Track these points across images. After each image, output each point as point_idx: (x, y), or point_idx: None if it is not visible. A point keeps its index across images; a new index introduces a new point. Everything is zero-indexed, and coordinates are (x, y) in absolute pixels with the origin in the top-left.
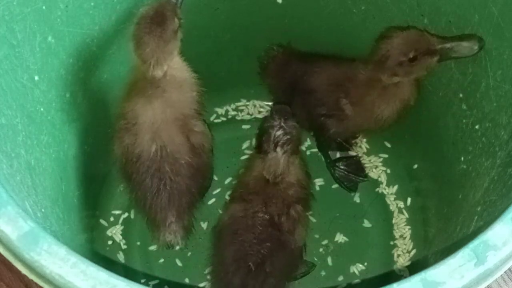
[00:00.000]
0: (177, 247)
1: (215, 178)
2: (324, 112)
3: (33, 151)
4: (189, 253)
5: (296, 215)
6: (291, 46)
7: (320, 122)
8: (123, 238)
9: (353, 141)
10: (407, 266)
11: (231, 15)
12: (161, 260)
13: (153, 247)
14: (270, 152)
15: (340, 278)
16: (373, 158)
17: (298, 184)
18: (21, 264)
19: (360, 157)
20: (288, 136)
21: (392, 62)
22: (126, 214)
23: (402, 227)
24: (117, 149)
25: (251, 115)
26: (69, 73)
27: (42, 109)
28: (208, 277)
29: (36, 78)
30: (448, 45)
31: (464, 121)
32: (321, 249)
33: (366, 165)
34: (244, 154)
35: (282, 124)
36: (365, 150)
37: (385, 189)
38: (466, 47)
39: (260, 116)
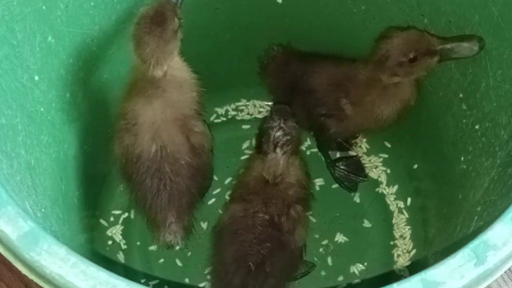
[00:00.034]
0: (177, 247)
1: (215, 178)
2: (324, 112)
3: (33, 151)
4: (189, 253)
5: (296, 215)
6: (291, 46)
7: (320, 122)
8: (123, 238)
9: (353, 141)
10: (407, 266)
11: (231, 15)
12: (161, 260)
13: (153, 247)
14: (269, 152)
15: (340, 278)
16: (373, 158)
17: (298, 184)
18: (21, 264)
19: (360, 157)
20: (288, 137)
21: (392, 62)
22: (126, 214)
23: (402, 227)
24: (117, 149)
25: (251, 115)
26: (69, 73)
27: (42, 109)
28: (208, 277)
29: (36, 78)
30: (448, 46)
31: (464, 121)
32: (321, 249)
33: (366, 165)
34: (244, 154)
35: (282, 124)
36: (365, 150)
37: (385, 189)
38: (466, 47)
39: (260, 116)
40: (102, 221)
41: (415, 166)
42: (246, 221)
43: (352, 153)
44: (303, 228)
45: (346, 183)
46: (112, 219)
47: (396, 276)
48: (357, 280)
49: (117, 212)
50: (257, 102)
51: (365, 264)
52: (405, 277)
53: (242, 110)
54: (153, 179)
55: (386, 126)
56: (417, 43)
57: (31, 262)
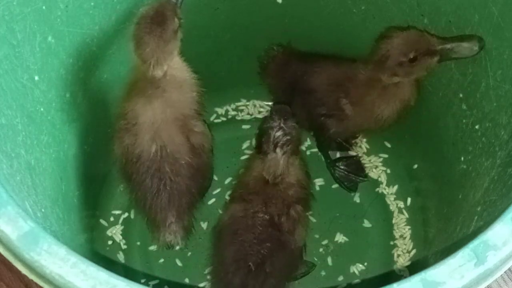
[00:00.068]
0: (177, 247)
1: (215, 178)
2: (324, 112)
3: (33, 151)
4: (189, 253)
5: (296, 215)
6: (291, 46)
7: (320, 122)
8: (123, 238)
9: (353, 141)
10: (407, 266)
11: (231, 15)
12: (161, 260)
13: (153, 247)
14: (269, 152)
15: (340, 278)
16: (373, 158)
17: (298, 185)
18: (21, 264)
19: (360, 157)
20: (288, 137)
21: (392, 62)
22: (126, 214)
23: (402, 227)
24: (117, 149)
25: (251, 115)
26: (69, 73)
27: (42, 109)
28: (208, 277)
29: (36, 78)
30: (448, 46)
31: (464, 121)
32: (321, 249)
33: (366, 165)
34: (244, 154)
35: (282, 125)
36: (365, 150)
37: (385, 189)
38: (466, 47)
39: (260, 116)
40: (102, 221)
41: (415, 166)
42: (246, 221)
43: (352, 153)
44: (303, 228)
45: (346, 183)
46: (112, 219)
47: (396, 276)
48: (357, 280)
49: (117, 212)
50: (257, 102)
51: (365, 264)
52: (405, 277)
53: (242, 110)
54: (153, 179)
55: (386, 126)
56: (417, 43)
57: (31, 262)
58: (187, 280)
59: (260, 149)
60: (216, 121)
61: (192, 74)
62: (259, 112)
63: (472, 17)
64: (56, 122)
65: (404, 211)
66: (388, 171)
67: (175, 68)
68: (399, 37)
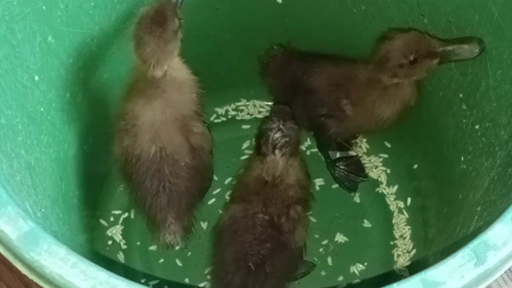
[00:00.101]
0: (177, 247)
1: (215, 178)
2: (324, 112)
3: (33, 151)
4: (189, 253)
5: (296, 216)
6: (291, 46)
7: (320, 122)
8: (123, 238)
9: (353, 141)
10: (407, 266)
11: (231, 15)
12: (161, 260)
13: (153, 247)
14: (268, 154)
15: (340, 278)
16: (373, 158)
17: (298, 185)
18: (21, 264)
19: (360, 157)
20: (287, 139)
21: (392, 64)
22: (126, 214)
23: (402, 227)
24: (117, 150)
25: (251, 115)
26: (69, 73)
27: (42, 109)
28: (208, 277)
29: (36, 78)
30: (449, 48)
31: (464, 121)
32: (321, 249)
33: (366, 165)
34: (244, 154)
35: (281, 126)
36: (365, 150)
37: (385, 189)
38: (467, 50)
39: (260, 116)
40: (102, 221)
41: (415, 166)
42: (246, 222)
43: (352, 153)
44: (303, 229)
45: (346, 183)
46: (112, 219)
47: (396, 276)
48: (357, 280)
49: (117, 212)
50: (257, 102)
51: (365, 264)
52: (405, 277)
53: (242, 110)
54: (152, 180)
55: (386, 127)
56: (418, 45)
57: (31, 262)
58: (187, 280)
59: (259, 151)
60: (216, 121)
61: (191, 76)
62: (259, 112)
63: (472, 17)
64: (56, 122)
65: (404, 211)
66: (388, 171)
67: (175, 68)
68: (400, 39)
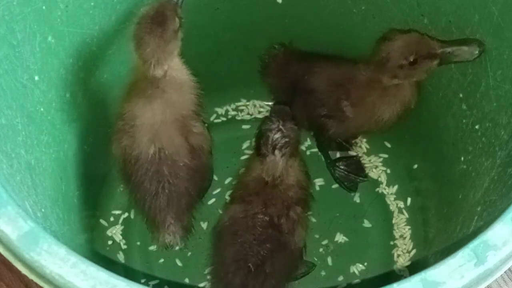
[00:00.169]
0: (177, 248)
1: (215, 178)
2: (325, 112)
3: (33, 151)
4: (189, 253)
5: (296, 217)
6: (292, 46)
7: (320, 123)
8: (123, 238)
9: (353, 141)
10: (407, 266)
11: (231, 15)
12: (161, 260)
13: (153, 247)
14: (268, 155)
15: (340, 278)
16: (373, 158)
17: (298, 185)
18: (21, 264)
19: (360, 157)
20: (287, 139)
21: (392, 65)
22: (126, 214)
23: (402, 227)
24: (115, 150)
25: (251, 115)
26: (69, 73)
27: (42, 109)
28: (208, 277)
29: (36, 78)
30: (448, 49)
31: (464, 121)
32: (321, 249)
33: (366, 165)
34: (244, 154)
35: (281, 126)
36: (365, 150)
37: (385, 189)
38: (467, 51)
39: (260, 116)
40: (102, 221)
41: (415, 166)
42: (246, 222)
43: (352, 153)
44: (303, 229)
45: (346, 183)
46: (112, 219)
47: (396, 276)
48: (357, 280)
49: (117, 212)
50: (257, 102)
51: (365, 264)
52: (405, 277)
53: (242, 110)
54: (151, 181)
55: (386, 128)
56: (418, 46)
57: (31, 262)
58: (187, 280)
59: (259, 151)
60: (216, 121)
61: (191, 76)
62: (259, 112)
63: (472, 17)
64: (56, 122)
65: (404, 211)
66: (388, 171)
67: (175, 69)
68: (400, 40)
